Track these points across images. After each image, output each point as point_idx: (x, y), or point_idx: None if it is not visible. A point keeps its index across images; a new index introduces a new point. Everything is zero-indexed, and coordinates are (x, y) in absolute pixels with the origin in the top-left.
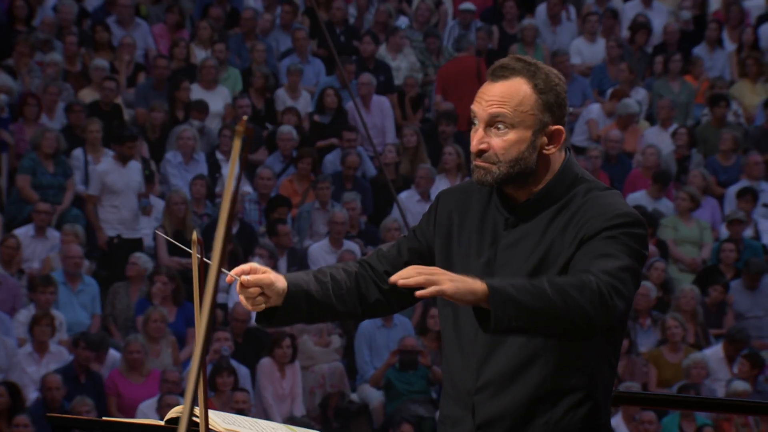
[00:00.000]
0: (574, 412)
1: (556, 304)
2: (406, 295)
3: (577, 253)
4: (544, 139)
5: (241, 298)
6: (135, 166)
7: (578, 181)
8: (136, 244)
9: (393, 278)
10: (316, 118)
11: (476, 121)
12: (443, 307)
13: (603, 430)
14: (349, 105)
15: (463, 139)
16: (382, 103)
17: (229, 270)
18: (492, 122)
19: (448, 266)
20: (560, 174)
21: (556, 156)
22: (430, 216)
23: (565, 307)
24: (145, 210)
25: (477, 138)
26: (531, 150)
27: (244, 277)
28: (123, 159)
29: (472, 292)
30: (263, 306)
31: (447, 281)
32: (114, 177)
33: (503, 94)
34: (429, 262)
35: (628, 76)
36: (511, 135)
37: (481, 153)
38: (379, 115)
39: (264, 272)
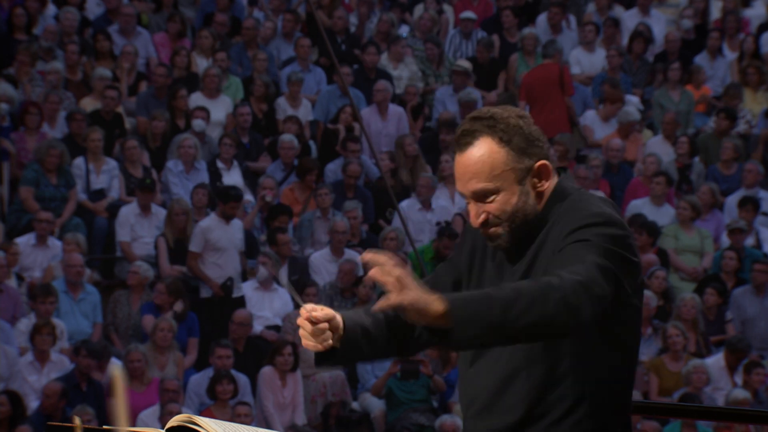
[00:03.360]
0: (564, 423)
1: (516, 313)
2: None
3: (551, 260)
4: (534, 180)
5: (306, 337)
6: (237, 225)
7: (567, 197)
8: (238, 303)
9: (365, 257)
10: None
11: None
12: None
13: None
14: (363, 111)
15: None
16: (398, 113)
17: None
18: (478, 197)
19: None
20: (551, 197)
21: (551, 185)
22: (460, 250)
23: (526, 315)
24: (252, 271)
25: (473, 213)
26: (525, 198)
27: (316, 313)
28: (226, 217)
29: (428, 312)
30: (330, 342)
31: (412, 290)
32: (217, 234)
33: (474, 166)
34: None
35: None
36: (501, 198)
37: (483, 224)
38: (394, 124)
39: (323, 308)
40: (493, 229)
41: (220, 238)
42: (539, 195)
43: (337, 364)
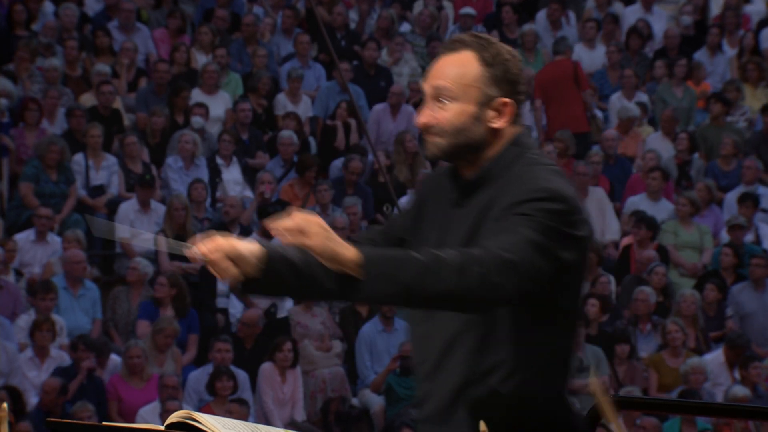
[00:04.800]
0: (504, 387)
1: (432, 280)
2: None
3: (485, 230)
4: (491, 113)
5: (214, 269)
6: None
7: (522, 157)
8: (283, 325)
9: (269, 224)
10: (329, 122)
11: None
12: None
13: (545, 405)
14: (374, 110)
15: None
16: (408, 111)
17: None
18: (436, 96)
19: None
20: (505, 150)
21: (507, 132)
22: (411, 202)
23: (442, 283)
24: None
25: (424, 112)
26: (476, 122)
27: (215, 251)
28: (268, 237)
29: (338, 258)
30: (234, 271)
31: (316, 236)
32: None
33: (447, 67)
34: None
35: (632, 81)
36: (455, 106)
37: (427, 128)
38: (404, 123)
39: (237, 242)
40: (432, 137)
41: None
42: (491, 133)
43: (261, 293)
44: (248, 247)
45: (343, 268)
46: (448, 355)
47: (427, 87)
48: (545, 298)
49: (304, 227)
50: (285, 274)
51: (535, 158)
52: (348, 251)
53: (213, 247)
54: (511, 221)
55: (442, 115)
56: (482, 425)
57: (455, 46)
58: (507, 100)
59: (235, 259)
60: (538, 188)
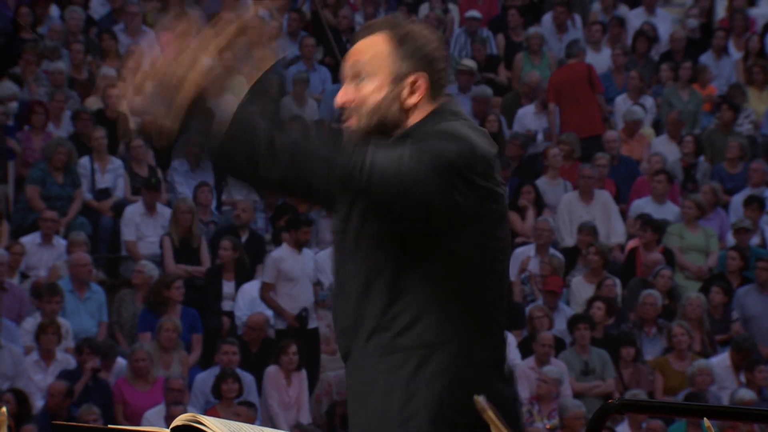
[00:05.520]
0: (408, 335)
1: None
2: None
3: None
4: (405, 90)
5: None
6: (309, 254)
7: (441, 120)
8: (313, 335)
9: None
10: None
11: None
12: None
13: (447, 360)
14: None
15: None
16: None
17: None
18: (352, 76)
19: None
20: (424, 118)
21: (425, 106)
22: None
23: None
24: (323, 303)
25: (340, 92)
26: (390, 100)
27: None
28: (298, 245)
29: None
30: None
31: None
32: (290, 264)
33: (361, 48)
34: None
35: (637, 84)
36: (367, 84)
37: (345, 107)
38: None
39: None
40: (350, 119)
41: (293, 268)
42: (407, 110)
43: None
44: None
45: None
46: (357, 308)
47: (344, 68)
48: (435, 235)
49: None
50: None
51: (455, 119)
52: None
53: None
54: (405, 145)
55: (358, 93)
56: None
57: (369, 30)
58: (418, 74)
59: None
60: (444, 131)
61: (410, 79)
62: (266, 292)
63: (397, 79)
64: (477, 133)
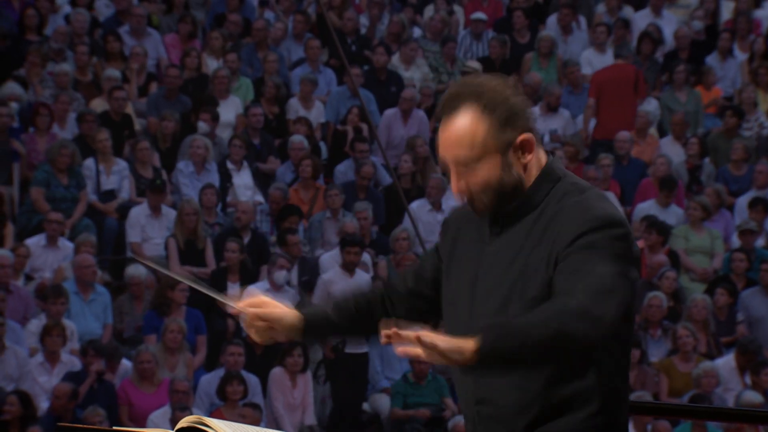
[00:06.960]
0: (577, 418)
1: (543, 341)
2: (428, 312)
3: (557, 269)
4: (518, 153)
5: (248, 329)
6: (363, 277)
7: (557, 183)
8: (362, 360)
9: (386, 334)
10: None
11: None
12: (446, 306)
13: None
14: (385, 115)
15: None
16: (419, 116)
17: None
18: (459, 164)
19: (447, 288)
20: (539, 178)
21: (536, 161)
22: (443, 237)
23: (552, 341)
24: None
25: (454, 180)
26: (507, 170)
27: (250, 310)
28: (350, 269)
29: (461, 352)
30: (271, 341)
31: (437, 346)
32: (340, 287)
33: (456, 133)
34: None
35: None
36: (482, 167)
37: (464, 194)
38: (414, 128)
39: (274, 307)
40: (475, 200)
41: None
42: (524, 169)
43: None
44: (284, 313)
45: (467, 360)
46: (517, 392)
47: (446, 157)
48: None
49: (428, 341)
50: (326, 332)
51: (575, 185)
52: (465, 351)
53: (250, 304)
54: (582, 258)
55: (472, 180)
56: None
57: (452, 104)
58: (525, 136)
59: (269, 322)
60: (594, 217)
61: (517, 143)
62: None
63: (506, 149)
64: (608, 202)
